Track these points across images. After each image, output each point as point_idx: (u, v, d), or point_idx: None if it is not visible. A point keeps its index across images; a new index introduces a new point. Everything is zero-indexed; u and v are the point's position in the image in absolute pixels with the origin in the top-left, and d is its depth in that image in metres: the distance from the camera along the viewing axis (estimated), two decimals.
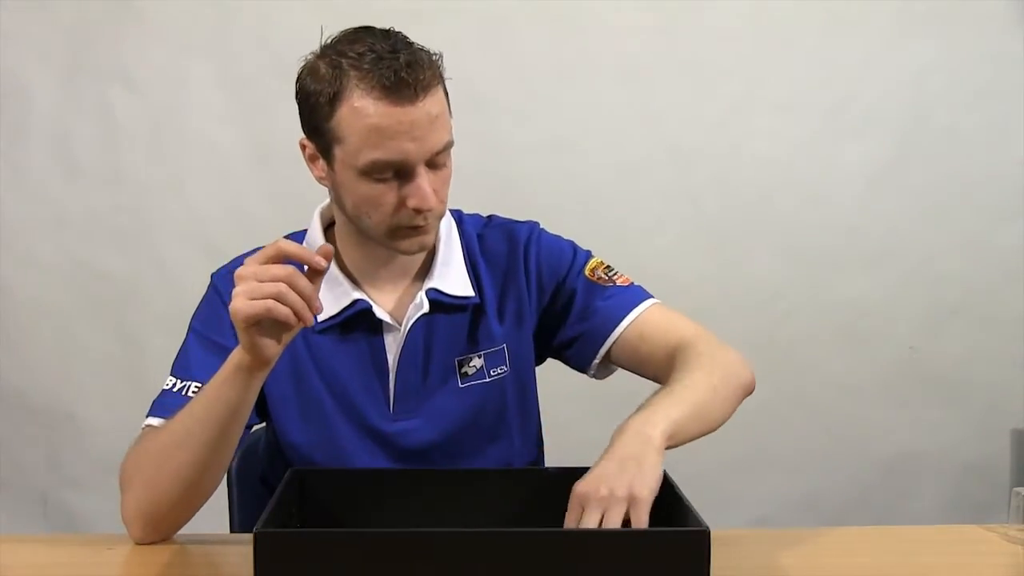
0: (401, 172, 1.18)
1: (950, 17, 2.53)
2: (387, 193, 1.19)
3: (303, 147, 1.27)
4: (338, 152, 1.20)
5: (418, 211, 1.19)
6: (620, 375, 1.39)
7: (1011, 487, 1.90)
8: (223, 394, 1.12)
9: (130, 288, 2.49)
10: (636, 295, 1.34)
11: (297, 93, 1.24)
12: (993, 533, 1.25)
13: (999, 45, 2.55)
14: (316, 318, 1.09)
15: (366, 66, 1.15)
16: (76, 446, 2.49)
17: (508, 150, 2.50)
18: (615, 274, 1.37)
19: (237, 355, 1.10)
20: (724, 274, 2.57)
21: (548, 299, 1.35)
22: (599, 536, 0.91)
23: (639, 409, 1.15)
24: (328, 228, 1.36)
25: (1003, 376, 2.62)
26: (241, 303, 1.03)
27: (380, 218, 1.21)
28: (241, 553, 1.14)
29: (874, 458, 2.62)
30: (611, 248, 2.66)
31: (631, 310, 1.31)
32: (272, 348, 1.07)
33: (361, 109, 1.15)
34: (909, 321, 2.61)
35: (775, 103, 2.54)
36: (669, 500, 1.04)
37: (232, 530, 1.46)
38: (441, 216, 1.26)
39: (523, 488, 1.16)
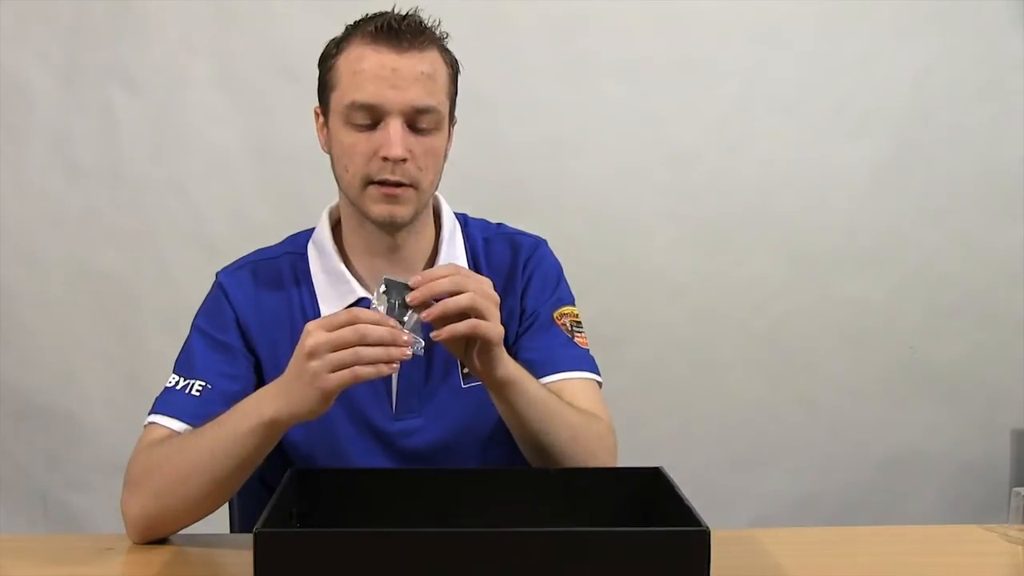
0: (378, 121, 1.22)
1: (950, 17, 2.53)
2: (362, 142, 1.22)
3: (316, 116, 1.32)
4: (332, 101, 1.25)
5: (386, 160, 1.21)
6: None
7: (1011, 487, 1.90)
8: (246, 442, 1.13)
9: (130, 288, 2.49)
10: (581, 361, 1.35)
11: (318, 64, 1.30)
12: (993, 533, 1.25)
13: (999, 45, 2.55)
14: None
15: (367, 21, 1.24)
16: (76, 446, 2.49)
17: (508, 150, 2.50)
18: (579, 331, 1.38)
19: (272, 409, 1.10)
20: (724, 274, 2.56)
21: (523, 316, 1.37)
22: (599, 536, 0.91)
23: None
24: (335, 228, 1.36)
25: (1003, 376, 2.62)
26: (327, 379, 1.05)
27: (354, 170, 1.24)
28: (241, 553, 1.14)
29: (874, 458, 2.62)
30: (611, 248, 2.68)
31: (566, 371, 1.32)
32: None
33: (353, 54, 1.23)
34: (909, 321, 2.61)
35: (775, 103, 2.54)
36: (669, 500, 1.04)
37: (232, 530, 1.46)
38: (422, 190, 1.26)
39: (523, 488, 1.16)
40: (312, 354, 1.05)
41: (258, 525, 0.91)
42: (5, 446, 2.49)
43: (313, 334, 1.05)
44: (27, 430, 2.49)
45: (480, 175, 2.39)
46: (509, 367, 1.17)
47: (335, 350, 1.04)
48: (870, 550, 1.22)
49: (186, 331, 1.33)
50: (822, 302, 2.59)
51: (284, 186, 2.44)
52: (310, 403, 1.07)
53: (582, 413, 1.27)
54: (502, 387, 1.18)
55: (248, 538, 0.90)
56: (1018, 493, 1.25)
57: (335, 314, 1.08)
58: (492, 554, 0.89)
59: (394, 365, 1.06)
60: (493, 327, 1.11)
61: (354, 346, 1.04)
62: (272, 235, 1.43)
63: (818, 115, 2.55)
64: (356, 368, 1.04)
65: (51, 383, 2.49)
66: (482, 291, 1.10)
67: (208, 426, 1.16)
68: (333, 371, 1.04)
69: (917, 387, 2.62)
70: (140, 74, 2.45)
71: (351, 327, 1.04)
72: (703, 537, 0.90)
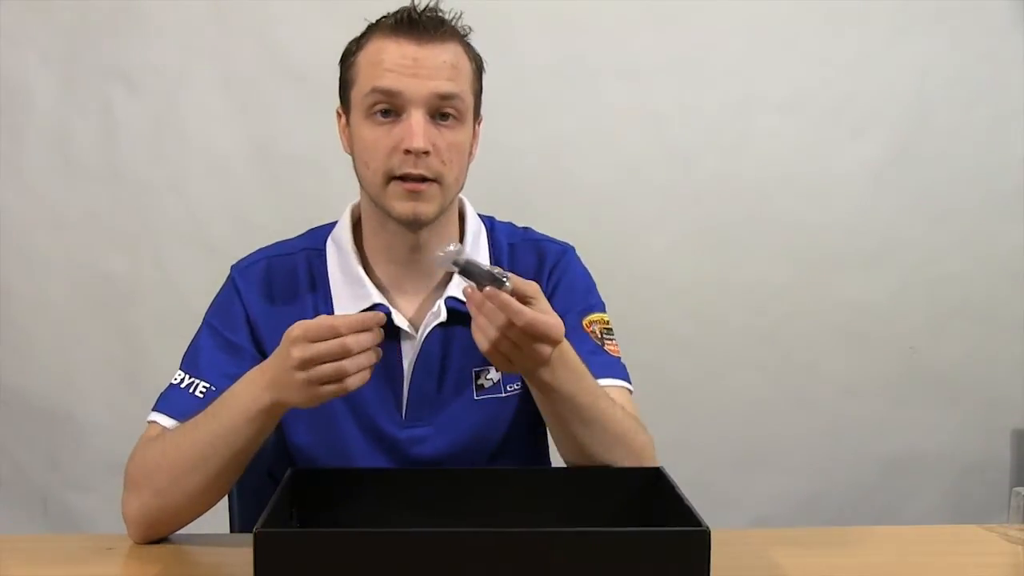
0: (399, 114, 1.20)
1: (950, 16, 2.53)
2: (384, 136, 1.21)
3: (338, 116, 1.30)
4: (353, 97, 1.24)
5: (408, 153, 1.19)
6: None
7: (1011, 487, 1.90)
8: (246, 430, 1.13)
9: (130, 288, 2.49)
10: (611, 368, 1.32)
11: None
12: (993, 533, 1.25)
13: (999, 45, 2.55)
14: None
15: (387, 16, 1.23)
16: (76, 446, 2.49)
17: (508, 150, 2.50)
18: (610, 339, 1.35)
19: (269, 397, 1.10)
20: (724, 274, 2.57)
21: None
22: (599, 536, 0.91)
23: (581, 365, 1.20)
24: (356, 227, 1.34)
25: (1003, 376, 2.62)
26: (317, 391, 1.05)
27: (376, 166, 1.21)
28: (241, 553, 1.14)
29: (874, 458, 2.62)
30: (611, 248, 2.68)
31: (596, 378, 1.26)
32: None
33: (373, 47, 1.22)
34: (909, 321, 2.61)
35: (775, 103, 2.54)
36: (669, 500, 1.04)
37: (232, 530, 1.46)
38: (445, 186, 1.23)
39: (523, 488, 1.15)
40: (300, 367, 1.05)
41: (258, 525, 0.91)
42: (5, 446, 2.49)
43: (298, 346, 1.04)
44: (27, 430, 2.49)
45: (479, 175, 2.37)
46: (544, 375, 1.13)
47: (322, 362, 1.04)
48: (870, 550, 1.22)
49: (186, 331, 1.32)
50: (822, 302, 2.59)
51: (284, 186, 2.44)
52: (302, 403, 1.09)
53: (629, 419, 1.24)
54: (540, 389, 1.16)
55: (248, 538, 0.90)
56: (1018, 493, 1.25)
57: (317, 322, 1.06)
58: (492, 554, 0.89)
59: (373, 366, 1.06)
60: (510, 369, 1.10)
61: (339, 359, 1.04)
62: (272, 235, 1.42)
63: (818, 115, 2.55)
64: (345, 382, 1.05)
65: (51, 384, 2.49)
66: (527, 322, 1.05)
67: (201, 419, 1.16)
68: (321, 384, 1.05)
69: (917, 387, 2.62)
70: (140, 74, 2.45)
71: (337, 341, 1.04)
72: (703, 537, 0.90)
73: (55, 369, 2.49)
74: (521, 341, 1.06)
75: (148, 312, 2.48)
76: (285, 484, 1.07)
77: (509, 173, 2.49)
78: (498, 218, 1.44)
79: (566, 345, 1.16)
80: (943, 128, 2.57)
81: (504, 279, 1.05)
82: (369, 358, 1.06)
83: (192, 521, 1.21)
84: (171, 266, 2.47)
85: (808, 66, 2.54)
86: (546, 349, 1.08)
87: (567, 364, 1.16)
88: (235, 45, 2.46)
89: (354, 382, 1.05)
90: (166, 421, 1.23)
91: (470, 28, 1.28)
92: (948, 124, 2.57)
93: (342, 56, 1.27)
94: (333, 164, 2.40)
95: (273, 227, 1.49)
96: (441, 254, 1.08)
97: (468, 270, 1.07)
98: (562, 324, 1.08)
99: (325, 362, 1.04)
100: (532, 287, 1.07)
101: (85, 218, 2.47)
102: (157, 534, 1.21)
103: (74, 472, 2.49)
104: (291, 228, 1.42)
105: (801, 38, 2.54)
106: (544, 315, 1.06)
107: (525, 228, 1.42)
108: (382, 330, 1.08)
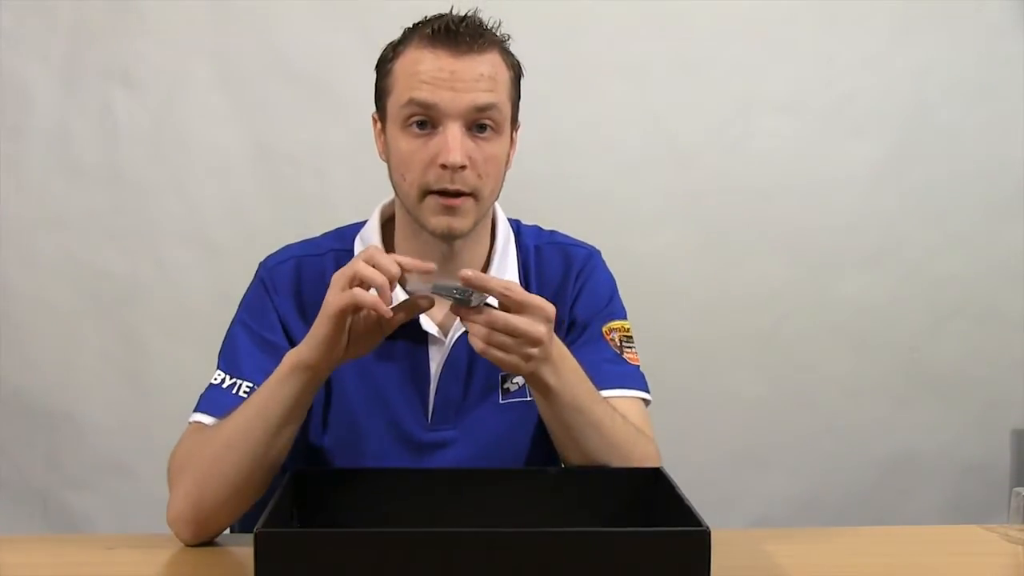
0: (436, 126, 1.19)
1: (950, 17, 2.54)
2: (420, 149, 1.19)
3: (374, 122, 1.29)
4: (389, 106, 1.22)
5: (444, 167, 1.17)
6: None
7: (1011, 487, 1.90)
8: (278, 393, 1.12)
9: (130, 288, 2.48)
10: (627, 379, 1.31)
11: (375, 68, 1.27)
12: (993, 533, 1.25)
13: (999, 45, 2.55)
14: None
15: (425, 23, 1.21)
16: (76, 446, 2.48)
17: None
18: (629, 347, 1.35)
19: (299, 353, 1.10)
20: (724, 274, 2.57)
21: (572, 327, 1.34)
22: (599, 536, 0.91)
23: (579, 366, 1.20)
24: (385, 228, 1.33)
25: (1003, 376, 2.62)
26: (329, 301, 1.06)
27: (412, 178, 1.20)
28: (241, 553, 1.14)
29: (874, 458, 2.62)
30: (611, 248, 2.66)
31: (611, 388, 1.27)
32: (344, 351, 1.09)
33: (410, 57, 1.20)
34: (909, 321, 2.61)
35: (775, 103, 2.54)
36: (669, 500, 1.04)
37: (232, 530, 1.46)
38: (482, 200, 1.22)
39: (524, 488, 1.16)
40: (334, 281, 1.06)
41: (258, 525, 0.91)
42: (5, 446, 2.49)
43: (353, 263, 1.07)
44: (27, 430, 2.49)
45: None
46: (548, 376, 1.13)
47: (348, 272, 1.05)
48: (870, 550, 1.22)
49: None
50: (822, 302, 2.59)
51: (284, 186, 2.44)
52: (319, 334, 1.08)
53: (629, 428, 1.23)
54: (542, 391, 1.16)
55: (248, 538, 0.90)
56: (1018, 493, 1.25)
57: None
58: (492, 554, 0.90)
59: (388, 307, 1.06)
60: (511, 363, 1.09)
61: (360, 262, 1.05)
62: (271, 235, 1.42)
63: (818, 115, 2.55)
64: (355, 291, 1.04)
65: (51, 383, 2.48)
66: (512, 328, 1.07)
67: (238, 407, 1.16)
68: (341, 290, 1.06)
69: (917, 387, 2.62)
70: (140, 74, 2.45)
71: (365, 251, 1.06)
72: (703, 537, 0.90)
73: (55, 369, 2.49)
74: (512, 328, 1.06)
75: (148, 312, 2.47)
76: (286, 484, 1.07)
77: (509, 173, 2.49)
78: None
79: (564, 349, 1.16)
80: (943, 128, 2.57)
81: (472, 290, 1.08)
82: (385, 291, 1.05)
83: (235, 517, 1.20)
84: (171, 266, 2.47)
85: (808, 66, 2.54)
86: (540, 327, 1.08)
87: (567, 365, 1.16)
88: (235, 45, 2.45)
89: (364, 296, 1.04)
90: (208, 420, 1.22)
91: (509, 36, 1.26)
92: (948, 124, 2.57)
93: (378, 61, 1.25)
94: (333, 164, 2.43)
95: (273, 227, 1.49)
96: (411, 288, 1.10)
97: (439, 289, 1.08)
98: (551, 304, 1.09)
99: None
100: (511, 283, 1.09)
101: (85, 218, 2.47)
102: (204, 530, 1.19)
103: (73, 472, 2.49)
104: (291, 227, 1.42)
105: (801, 38, 2.54)
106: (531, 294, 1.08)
107: (551, 231, 1.42)
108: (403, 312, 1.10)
